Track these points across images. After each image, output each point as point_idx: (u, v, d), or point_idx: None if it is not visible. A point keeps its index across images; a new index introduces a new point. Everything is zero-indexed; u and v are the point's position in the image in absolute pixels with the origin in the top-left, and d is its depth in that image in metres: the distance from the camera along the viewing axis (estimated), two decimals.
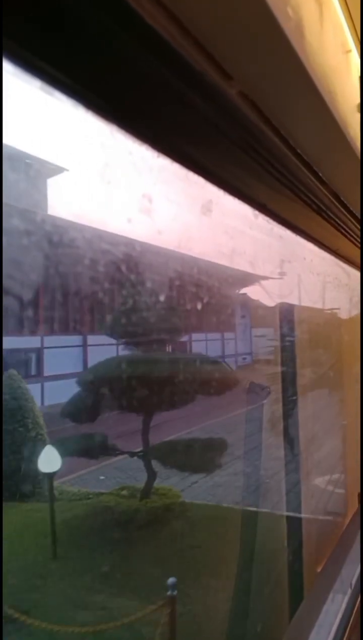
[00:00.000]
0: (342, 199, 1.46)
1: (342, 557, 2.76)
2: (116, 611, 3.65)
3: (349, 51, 1.21)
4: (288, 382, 2.81)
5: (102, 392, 6.44)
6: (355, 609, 2.34)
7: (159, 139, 0.84)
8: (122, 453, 6.62)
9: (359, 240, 1.96)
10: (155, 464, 6.22)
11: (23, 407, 7.25)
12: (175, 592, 3.51)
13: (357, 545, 2.84)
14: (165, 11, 0.64)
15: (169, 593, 3.52)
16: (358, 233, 1.87)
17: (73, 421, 6.72)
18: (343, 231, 1.79)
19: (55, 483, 6.49)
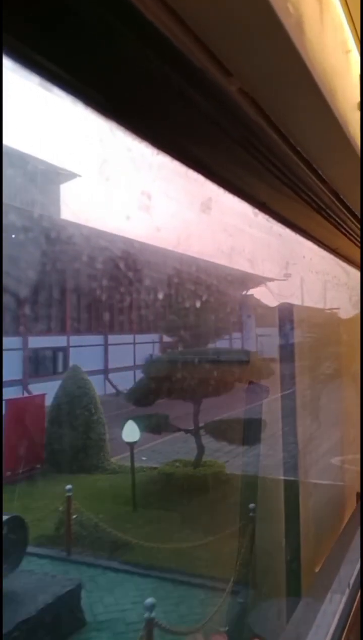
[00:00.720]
0: (342, 197, 1.46)
1: (340, 557, 2.76)
2: (184, 540, 5.28)
3: (349, 51, 1.21)
4: (311, 374, 3.27)
5: (157, 382, 7.87)
6: (354, 609, 2.34)
7: (159, 135, 0.83)
8: (179, 430, 8.19)
9: (359, 239, 1.96)
10: (204, 440, 7.69)
11: (86, 395, 8.82)
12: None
13: (354, 545, 2.84)
14: (166, 7, 0.64)
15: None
16: (358, 232, 1.87)
17: (135, 405, 8.31)
18: (343, 230, 1.78)
19: (114, 459, 8.46)
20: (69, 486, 6.29)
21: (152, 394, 7.96)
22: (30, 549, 5.26)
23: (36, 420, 8.19)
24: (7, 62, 0.62)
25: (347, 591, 2.43)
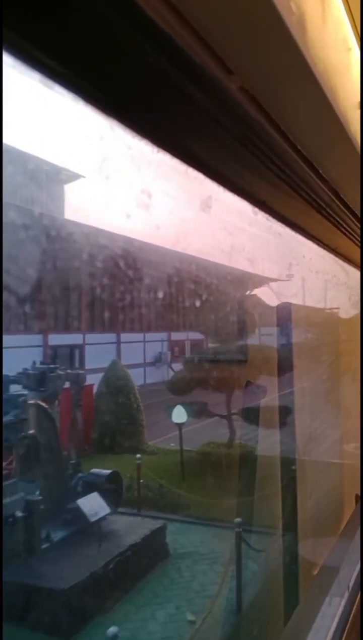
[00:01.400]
0: (342, 196, 1.46)
1: (339, 559, 2.75)
2: (222, 499, 6.44)
3: (350, 49, 1.21)
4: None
5: (194, 373, 9.30)
6: (353, 612, 2.33)
7: (159, 133, 0.83)
8: (215, 415, 9.62)
9: (359, 238, 1.95)
10: (236, 424, 9.14)
11: (126, 385, 10.25)
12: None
13: (353, 547, 2.83)
14: (167, 4, 0.64)
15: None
16: (358, 232, 1.87)
17: (173, 394, 9.80)
18: (343, 229, 1.78)
19: (151, 442, 10.10)
20: (138, 455, 8.15)
21: (189, 384, 9.42)
22: None
23: (87, 408, 8.85)
24: (7, 59, 0.62)
25: (346, 594, 2.42)
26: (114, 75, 0.70)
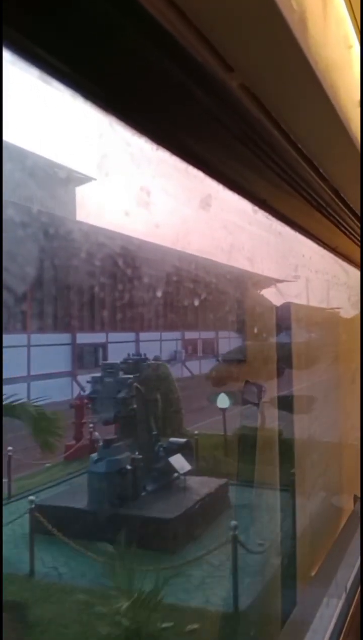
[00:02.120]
0: (342, 195, 1.45)
1: (337, 560, 2.75)
2: (262, 468, 6.80)
3: (351, 46, 1.20)
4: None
5: (230, 367, 11.13)
6: (351, 613, 2.32)
7: (158, 130, 0.82)
8: (248, 403, 10.19)
9: (359, 238, 1.95)
10: (267, 412, 9.89)
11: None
12: None
13: (352, 549, 2.83)
14: (167, 0, 0.63)
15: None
16: (359, 231, 1.87)
17: (212, 385, 12.04)
18: (343, 229, 1.78)
19: (189, 428, 11.58)
20: (196, 432, 10.41)
21: (225, 376, 11.30)
22: None
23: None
24: (6, 55, 0.62)
25: (344, 595, 2.42)
26: (113, 72, 0.69)
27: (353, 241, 1.99)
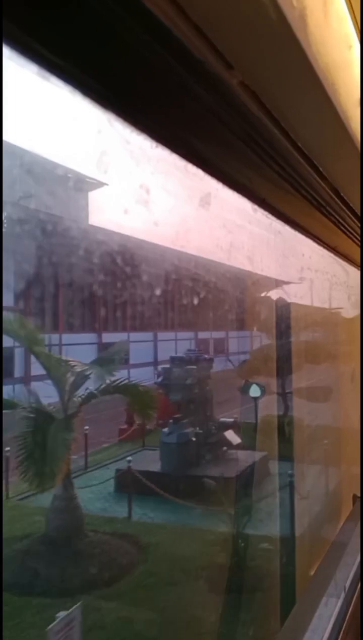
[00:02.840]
0: (342, 195, 1.45)
1: (335, 560, 2.75)
2: (289, 447, 8.04)
3: (351, 46, 1.20)
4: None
5: (259, 362, 11.99)
6: (350, 612, 2.32)
7: (158, 127, 0.82)
8: (274, 393, 11.66)
9: (359, 237, 1.95)
10: (289, 402, 11.23)
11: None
12: None
13: (351, 548, 2.83)
14: None
15: None
16: (358, 231, 1.86)
17: (243, 378, 13.05)
18: (343, 228, 1.77)
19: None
20: (235, 415, 11.97)
21: (254, 370, 12.38)
22: None
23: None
24: (6, 51, 0.61)
25: (343, 595, 2.42)
26: (113, 68, 0.69)
27: (353, 241, 1.99)
